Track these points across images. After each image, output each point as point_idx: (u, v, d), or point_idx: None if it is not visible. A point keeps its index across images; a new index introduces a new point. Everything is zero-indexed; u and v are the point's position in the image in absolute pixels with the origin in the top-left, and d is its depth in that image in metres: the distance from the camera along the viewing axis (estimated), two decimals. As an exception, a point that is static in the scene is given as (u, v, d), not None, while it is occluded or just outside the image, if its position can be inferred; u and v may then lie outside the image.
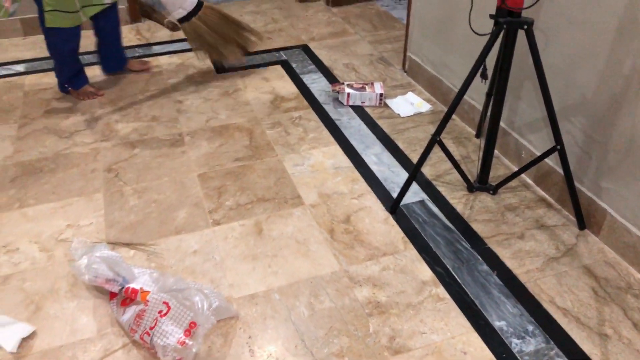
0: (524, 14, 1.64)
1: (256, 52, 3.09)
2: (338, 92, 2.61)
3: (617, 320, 1.52)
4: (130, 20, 3.50)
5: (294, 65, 2.97)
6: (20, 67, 2.97)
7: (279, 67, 2.95)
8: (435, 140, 1.81)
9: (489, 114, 1.89)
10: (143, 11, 3.58)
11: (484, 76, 1.77)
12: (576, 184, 1.83)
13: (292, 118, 2.49)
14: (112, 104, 2.61)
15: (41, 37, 2.52)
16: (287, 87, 2.76)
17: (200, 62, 2.97)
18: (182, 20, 2.62)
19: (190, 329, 1.41)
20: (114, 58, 2.79)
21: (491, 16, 1.68)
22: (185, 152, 2.26)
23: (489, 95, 2.05)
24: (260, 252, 1.77)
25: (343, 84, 2.62)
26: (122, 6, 3.42)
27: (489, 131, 1.88)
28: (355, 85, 2.60)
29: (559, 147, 1.74)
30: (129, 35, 3.36)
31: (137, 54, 3.10)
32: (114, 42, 2.72)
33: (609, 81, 1.65)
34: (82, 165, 2.19)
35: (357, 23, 3.50)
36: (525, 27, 1.62)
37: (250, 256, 1.75)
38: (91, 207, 1.97)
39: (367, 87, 2.59)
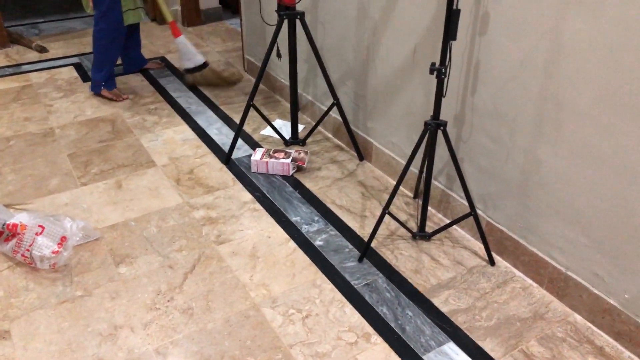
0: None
1: (118, 65, 3.58)
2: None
3: (374, 208, 2.21)
4: (-1, 45, 3.84)
5: (151, 72, 3.51)
6: None
7: (140, 75, 3.47)
8: (249, 104, 2.45)
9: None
10: (11, 38, 3.96)
11: (278, 55, 2.44)
12: (354, 128, 2.55)
13: (149, 109, 3.02)
14: (-14, 111, 2.98)
15: None
16: (145, 87, 3.28)
17: (67, 74, 3.41)
18: (187, 70, 3.22)
19: (62, 242, 1.88)
20: (139, 59, 3.44)
21: (275, 10, 2.36)
22: (56, 140, 2.70)
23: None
24: (120, 199, 2.27)
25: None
26: (-10, 33, 3.76)
27: (291, 95, 2.55)
28: (201, 82, 3.19)
29: (335, 102, 2.44)
30: (-2, 58, 3.71)
31: (7, 73, 3.47)
32: (138, 46, 3.39)
33: (358, 51, 2.38)
34: (-38, 157, 2.56)
35: (208, 38, 4.12)
36: (299, 17, 2.32)
37: (111, 202, 2.25)
38: (-27, 184, 2.36)
39: (211, 82, 3.20)
